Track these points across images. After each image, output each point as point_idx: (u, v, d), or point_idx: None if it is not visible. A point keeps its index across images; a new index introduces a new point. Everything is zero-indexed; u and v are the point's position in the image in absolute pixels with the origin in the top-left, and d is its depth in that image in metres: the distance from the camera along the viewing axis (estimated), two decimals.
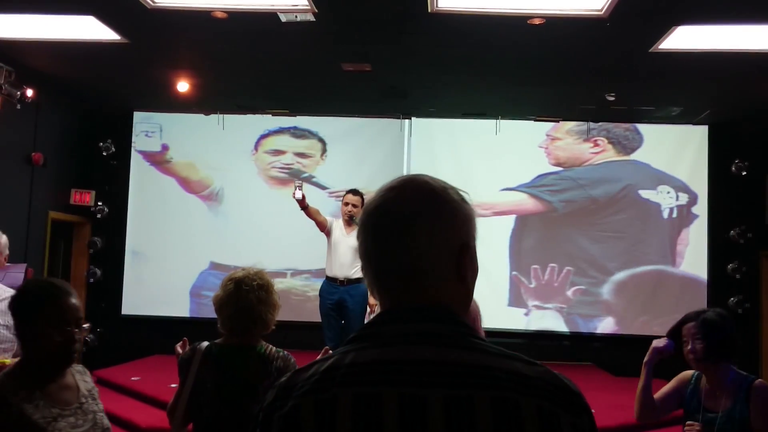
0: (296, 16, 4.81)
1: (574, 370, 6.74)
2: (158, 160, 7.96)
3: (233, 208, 7.87)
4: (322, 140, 7.93)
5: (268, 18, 4.84)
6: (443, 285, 0.99)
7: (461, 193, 1.04)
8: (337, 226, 5.78)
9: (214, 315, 2.49)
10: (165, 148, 7.96)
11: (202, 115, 7.86)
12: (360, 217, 1.06)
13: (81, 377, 2.04)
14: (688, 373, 2.71)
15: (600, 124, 7.64)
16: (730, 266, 7.29)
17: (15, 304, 1.94)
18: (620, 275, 7.53)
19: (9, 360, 2.89)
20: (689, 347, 2.55)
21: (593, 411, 0.92)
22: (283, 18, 4.84)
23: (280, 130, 7.93)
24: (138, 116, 7.97)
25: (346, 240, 5.66)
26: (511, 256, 7.67)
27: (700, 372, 2.62)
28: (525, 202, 7.69)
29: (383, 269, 1.01)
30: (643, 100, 6.86)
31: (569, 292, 7.55)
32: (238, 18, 4.88)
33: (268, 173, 7.88)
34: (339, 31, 5.18)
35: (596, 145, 7.71)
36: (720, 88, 6.30)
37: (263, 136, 7.94)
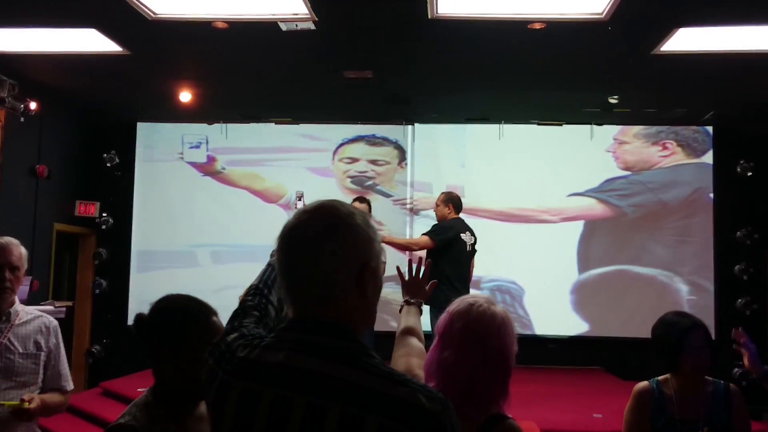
0: (296, 25, 4.81)
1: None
2: (210, 170, 7.92)
3: None
4: (399, 147, 7.79)
5: (269, 27, 4.84)
6: (345, 299, 1.11)
7: (366, 217, 1.17)
8: None
9: None
10: (211, 159, 7.91)
11: (262, 125, 7.78)
12: (278, 235, 1.17)
13: None
14: (643, 385, 2.54)
15: (667, 126, 7.52)
16: (737, 268, 7.24)
17: (149, 327, 1.65)
18: (693, 279, 7.39)
19: (27, 399, 2.42)
20: (701, 356, 2.39)
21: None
22: (283, 27, 4.85)
23: (358, 138, 7.84)
24: (183, 128, 7.88)
25: None
26: (579, 261, 7.46)
27: (697, 381, 2.45)
28: (593, 207, 7.55)
29: (292, 284, 1.13)
30: (646, 102, 6.83)
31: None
32: (238, 28, 4.89)
33: (344, 182, 7.80)
34: (339, 39, 5.19)
35: (665, 148, 7.59)
36: (724, 89, 6.26)
37: (341, 145, 7.85)
